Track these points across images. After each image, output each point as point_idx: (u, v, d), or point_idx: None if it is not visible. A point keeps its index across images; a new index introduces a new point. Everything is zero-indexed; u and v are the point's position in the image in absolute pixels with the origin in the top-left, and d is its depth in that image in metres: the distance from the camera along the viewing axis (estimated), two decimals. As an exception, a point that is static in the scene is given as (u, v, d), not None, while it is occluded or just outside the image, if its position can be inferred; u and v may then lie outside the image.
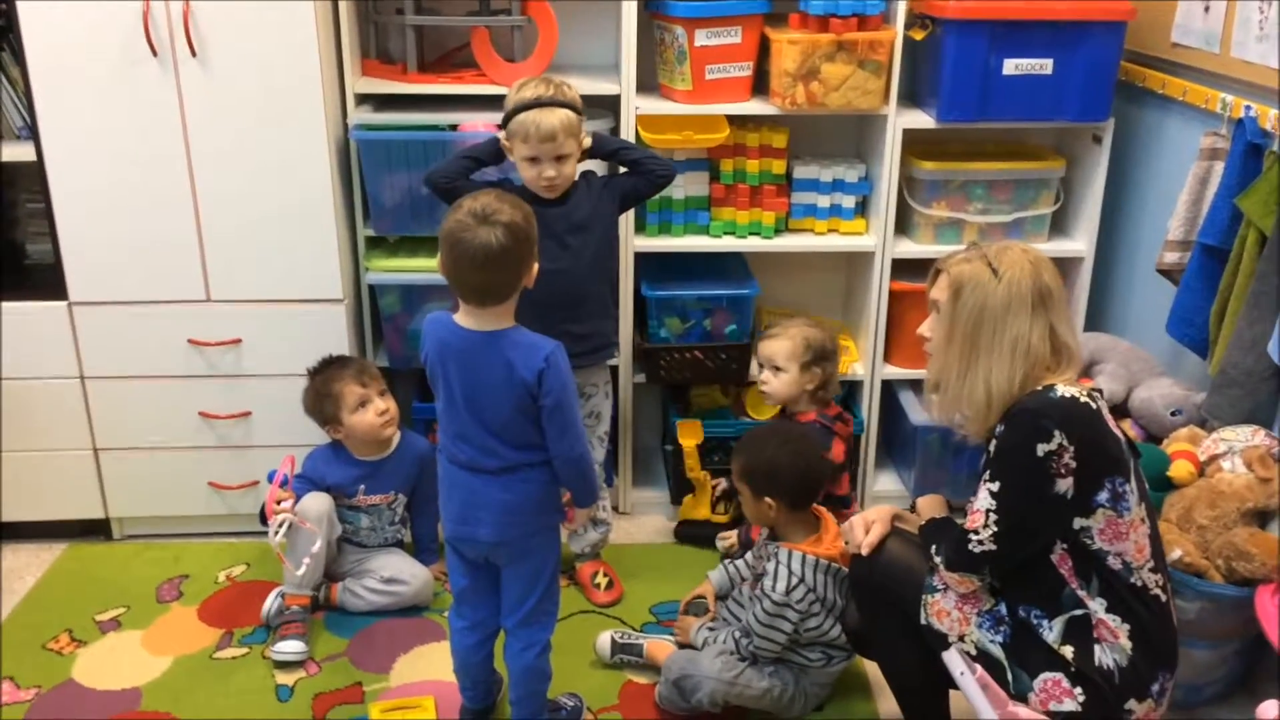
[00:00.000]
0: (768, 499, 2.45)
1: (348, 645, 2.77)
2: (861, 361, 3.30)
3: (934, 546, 2.15)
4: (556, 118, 2.50)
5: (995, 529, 2.03)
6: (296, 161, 2.84)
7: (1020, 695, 2.05)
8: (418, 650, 2.75)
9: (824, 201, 3.19)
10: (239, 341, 3.00)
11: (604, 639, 2.70)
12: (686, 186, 3.14)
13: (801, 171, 3.17)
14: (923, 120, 3.05)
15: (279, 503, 2.66)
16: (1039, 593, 2.07)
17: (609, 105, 3.03)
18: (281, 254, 2.93)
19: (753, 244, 3.17)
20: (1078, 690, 2.01)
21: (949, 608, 2.13)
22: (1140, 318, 3.16)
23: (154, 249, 2.90)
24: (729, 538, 3.03)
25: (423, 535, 3.02)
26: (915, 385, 3.35)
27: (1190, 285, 2.79)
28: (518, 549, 2.26)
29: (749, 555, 2.75)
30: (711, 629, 2.59)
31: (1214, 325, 2.71)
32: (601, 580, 2.96)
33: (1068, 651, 2.03)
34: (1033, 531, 2.04)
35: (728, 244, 3.17)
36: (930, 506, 2.32)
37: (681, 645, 2.65)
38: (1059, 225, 3.28)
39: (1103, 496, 2.00)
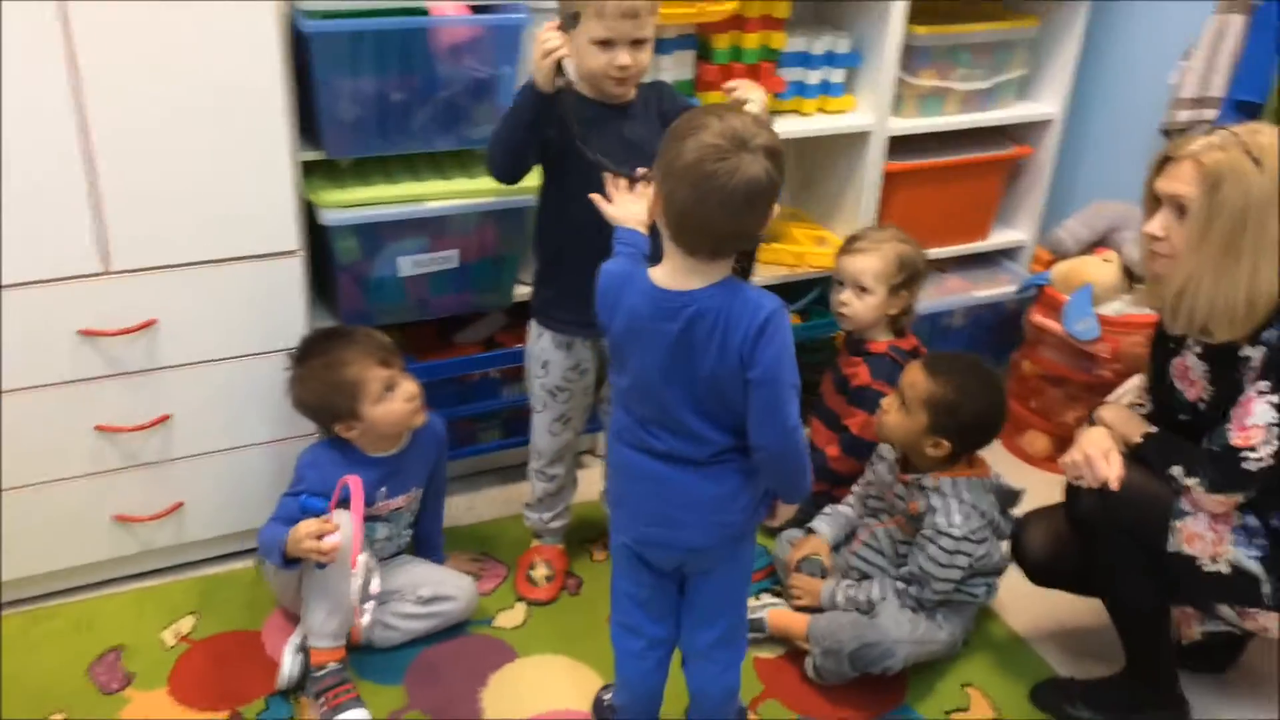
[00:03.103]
0: (942, 438, 2.14)
1: (405, 694, 2.17)
2: (846, 253, 3.00)
3: (1181, 469, 1.95)
4: None
5: (1279, 445, 1.86)
6: (234, 65, 2.04)
7: (1278, 607, 1.95)
8: (497, 679, 2.22)
9: (814, 78, 2.81)
10: (153, 324, 2.18)
11: (716, 618, 2.30)
12: (675, 69, 2.64)
13: (791, 44, 2.75)
14: (925, -22, 2.74)
15: (320, 537, 1.98)
16: (1294, 498, 1.95)
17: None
18: (213, 197, 2.13)
19: (747, 132, 2.73)
20: (1342, 594, 1.94)
21: (1201, 530, 1.96)
22: (1118, 180, 3.09)
23: (22, 205, 1.99)
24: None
25: (432, 532, 2.41)
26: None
27: (1218, 145, 2.74)
28: (723, 553, 1.81)
29: (852, 497, 2.43)
30: (852, 586, 2.27)
31: (1244, 184, 2.68)
32: None
33: (1331, 555, 1.94)
34: (1314, 439, 1.90)
35: (720, 134, 2.71)
36: (1121, 418, 2.12)
37: (801, 609, 2.32)
38: (1024, 89, 3.12)
39: (1370, 392, 1.90)
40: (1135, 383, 2.57)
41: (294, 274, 2.27)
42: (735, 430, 1.69)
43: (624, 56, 2.01)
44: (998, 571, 2.27)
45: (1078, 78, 3.06)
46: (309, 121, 2.24)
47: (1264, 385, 1.88)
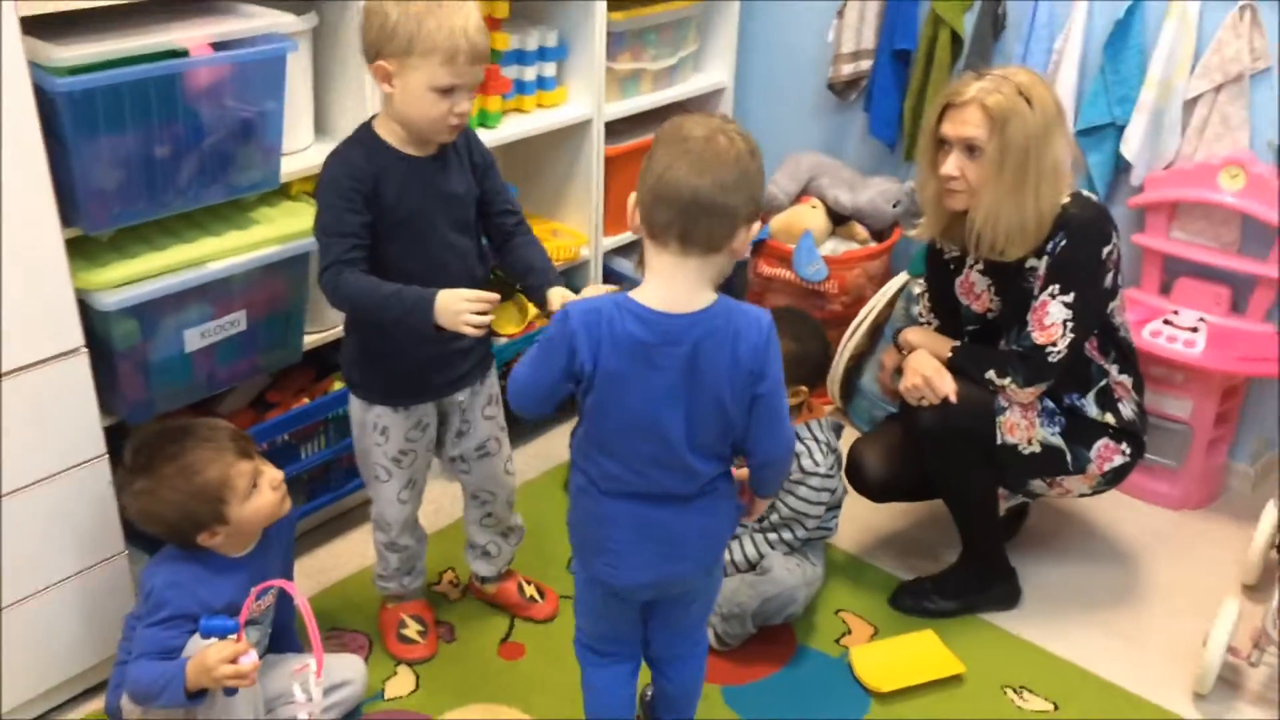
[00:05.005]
0: (798, 386, 2.29)
1: (336, 800, 1.97)
2: (585, 244, 3.04)
3: (994, 372, 2.24)
4: (483, 31, 1.86)
5: (1073, 336, 2.19)
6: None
7: (1080, 470, 2.31)
8: (422, 751, 2.08)
9: (530, 74, 2.81)
10: (-78, 472, 1.78)
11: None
12: (409, 83, 2.53)
13: (503, 43, 2.74)
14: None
15: (234, 661, 1.73)
16: (1075, 378, 2.31)
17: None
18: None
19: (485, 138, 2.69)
20: (1123, 445, 2.33)
21: (1017, 420, 2.27)
22: (797, 135, 3.38)
23: None
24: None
25: (289, 621, 2.18)
26: (624, 251, 3.22)
27: (886, 89, 3.10)
28: (707, 571, 1.82)
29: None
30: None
31: (910, 119, 3.07)
32: (531, 591, 2.43)
33: (1109, 418, 2.32)
34: (1094, 328, 2.25)
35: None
36: (927, 338, 2.38)
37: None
38: (697, 63, 3.31)
39: (1121, 279, 2.28)
40: (873, 305, 2.90)
41: (80, 375, 1.95)
42: (722, 456, 1.68)
43: (465, 103, 1.88)
44: (840, 504, 2.47)
45: (743, 46, 3.31)
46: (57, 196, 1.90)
47: (1055, 289, 2.20)
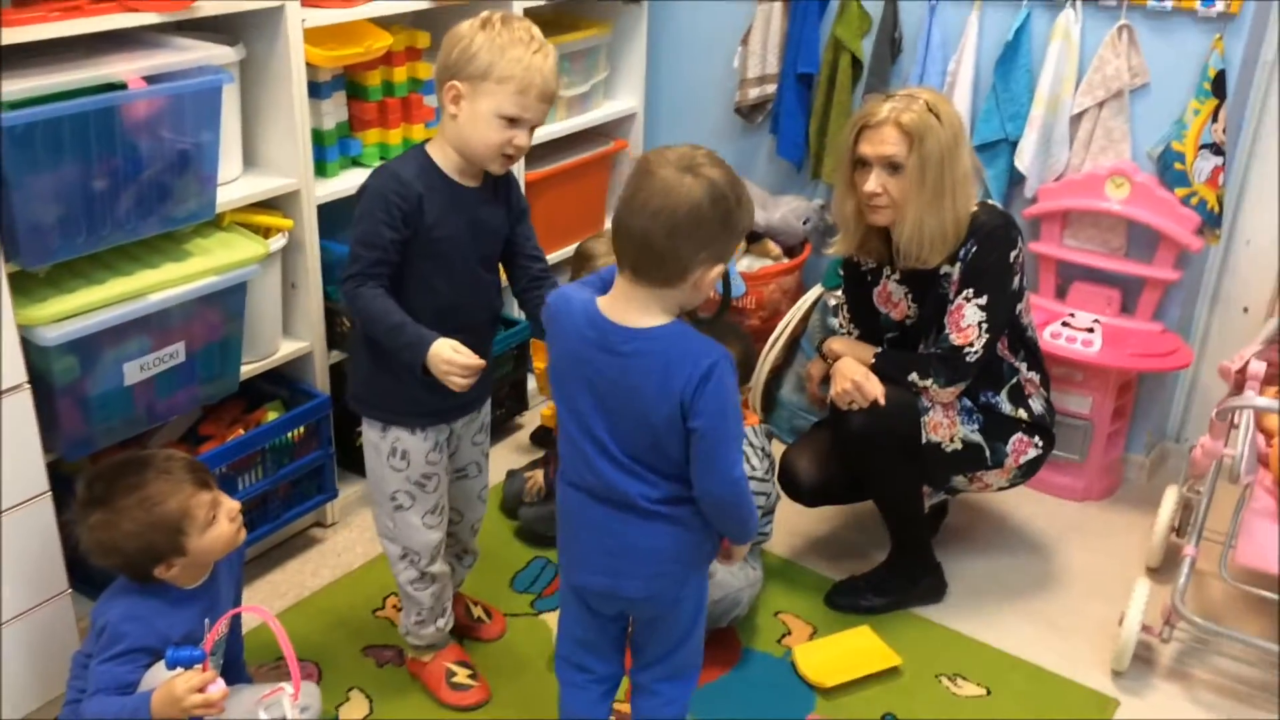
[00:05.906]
0: (745, 386, 2.39)
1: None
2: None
3: (916, 374, 2.36)
4: (557, 76, 1.93)
5: (987, 336, 2.33)
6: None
7: (999, 463, 2.45)
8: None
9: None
10: None
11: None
12: (334, 113, 2.57)
13: (426, 72, 2.78)
14: (529, -4, 2.91)
15: (201, 690, 1.73)
16: (990, 376, 2.44)
17: (252, 24, 2.30)
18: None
19: (409, 166, 2.73)
20: (1035, 439, 2.48)
21: (940, 419, 2.40)
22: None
23: None
24: (534, 478, 2.76)
25: (239, 651, 2.16)
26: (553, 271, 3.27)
27: (791, 112, 3.23)
28: (668, 600, 1.84)
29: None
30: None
31: (815, 139, 3.21)
32: (479, 612, 2.45)
33: (1022, 413, 2.47)
34: (1006, 327, 2.39)
35: (386, 172, 2.68)
36: (850, 346, 2.49)
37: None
38: (609, 90, 3.40)
39: (1025, 280, 2.43)
40: (789, 319, 3.02)
41: (24, 412, 1.92)
42: (673, 477, 1.70)
43: (524, 138, 1.92)
44: (774, 508, 2.56)
45: (652, 73, 3.41)
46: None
47: (969, 292, 2.33)
